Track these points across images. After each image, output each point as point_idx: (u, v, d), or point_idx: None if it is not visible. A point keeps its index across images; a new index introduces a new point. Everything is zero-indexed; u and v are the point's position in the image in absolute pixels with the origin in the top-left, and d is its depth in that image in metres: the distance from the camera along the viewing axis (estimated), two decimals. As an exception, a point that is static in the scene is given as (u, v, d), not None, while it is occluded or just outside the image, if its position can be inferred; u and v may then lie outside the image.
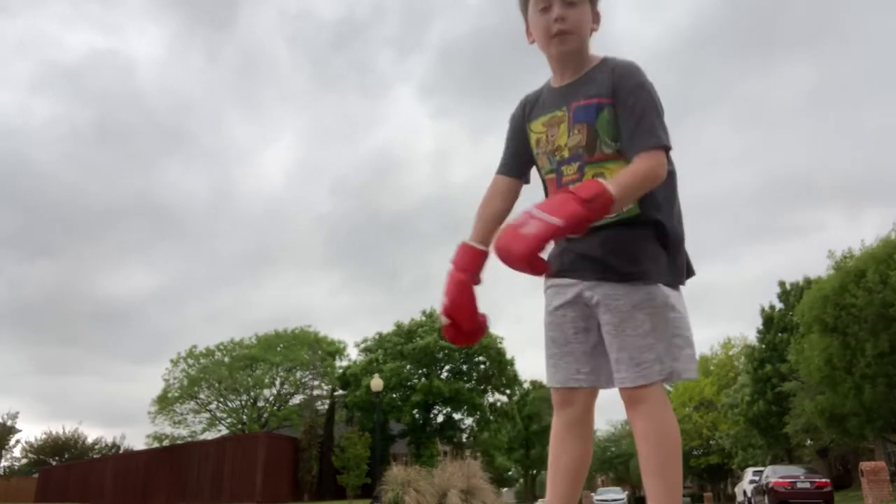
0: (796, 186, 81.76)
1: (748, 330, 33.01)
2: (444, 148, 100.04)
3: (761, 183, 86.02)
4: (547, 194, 1.76)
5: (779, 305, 31.84)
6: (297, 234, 79.09)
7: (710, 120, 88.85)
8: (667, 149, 1.56)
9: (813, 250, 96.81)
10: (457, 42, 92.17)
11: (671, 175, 1.65)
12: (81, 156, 72.55)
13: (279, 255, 75.72)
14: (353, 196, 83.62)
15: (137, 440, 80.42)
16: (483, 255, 1.65)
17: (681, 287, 1.66)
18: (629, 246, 1.58)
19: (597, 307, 1.59)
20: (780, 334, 30.22)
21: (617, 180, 1.48)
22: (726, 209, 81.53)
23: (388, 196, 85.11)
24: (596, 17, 1.68)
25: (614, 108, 1.59)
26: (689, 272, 1.71)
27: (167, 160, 78.66)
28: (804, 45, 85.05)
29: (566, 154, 1.66)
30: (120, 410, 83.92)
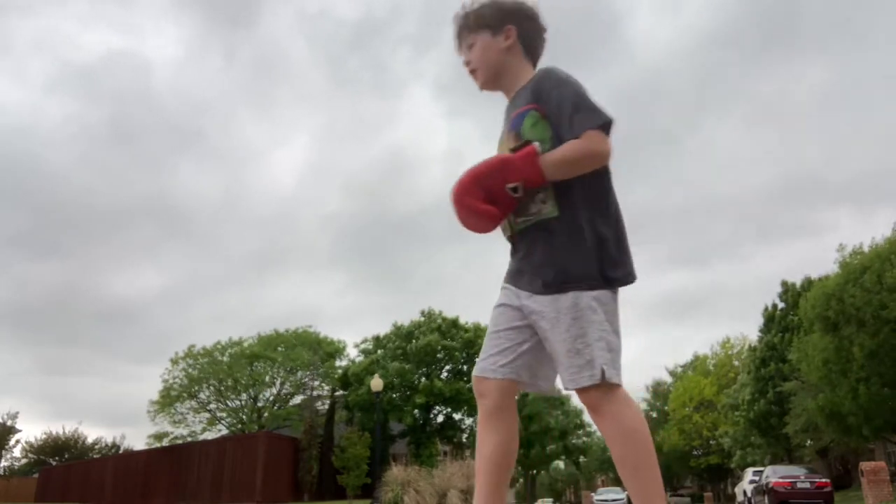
0: (809, 186, 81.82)
1: (756, 330, 33.05)
2: (456, 147, 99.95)
3: (774, 182, 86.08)
4: None
5: (781, 305, 31.86)
6: (306, 234, 79.12)
7: (725, 119, 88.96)
8: (602, 127, 1.61)
9: (825, 250, 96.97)
10: None
11: (598, 176, 1.67)
12: (93, 156, 72.56)
13: (287, 256, 75.80)
14: (364, 196, 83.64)
15: (138, 440, 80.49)
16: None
17: (613, 289, 1.65)
18: (552, 255, 1.64)
19: (532, 316, 1.66)
20: (780, 334, 30.23)
21: (548, 153, 1.62)
22: (738, 208, 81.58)
23: (399, 196, 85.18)
24: (506, 36, 1.82)
25: (538, 112, 1.69)
26: (628, 275, 1.68)
27: (179, 161, 78.67)
28: (819, 44, 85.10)
29: None
30: (124, 410, 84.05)
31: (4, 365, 64.26)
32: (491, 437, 1.70)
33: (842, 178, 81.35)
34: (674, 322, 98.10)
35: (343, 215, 77.01)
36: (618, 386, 1.59)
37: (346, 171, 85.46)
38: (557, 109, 1.65)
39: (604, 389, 1.57)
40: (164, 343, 72.10)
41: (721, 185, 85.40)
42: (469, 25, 1.86)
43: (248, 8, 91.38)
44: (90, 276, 67.51)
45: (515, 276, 1.73)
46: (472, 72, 1.87)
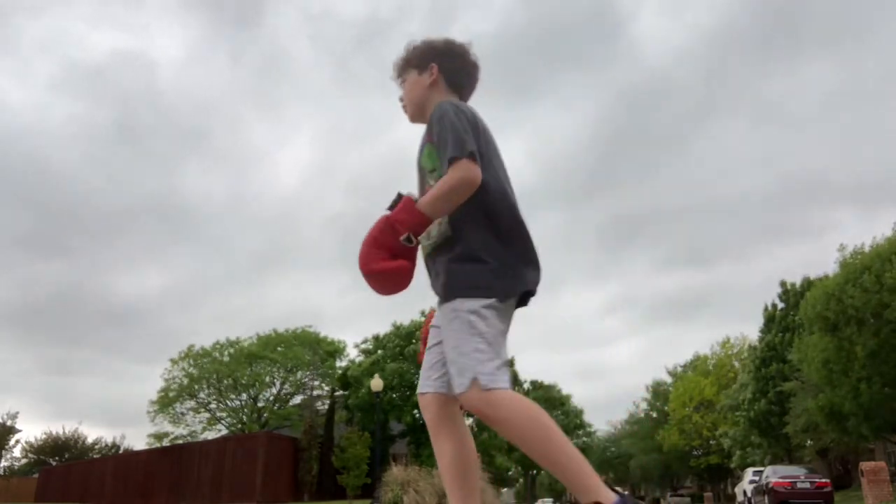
0: (813, 187, 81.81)
1: (758, 330, 33.08)
2: None
3: (778, 183, 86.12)
4: None
5: (780, 305, 31.85)
6: (309, 234, 79.09)
7: (730, 120, 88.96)
8: (465, 158, 1.69)
9: (828, 250, 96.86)
10: (479, 40, 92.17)
11: (488, 193, 1.76)
12: (99, 156, 72.54)
13: (291, 256, 75.81)
14: (368, 196, 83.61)
15: (138, 440, 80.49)
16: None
17: (502, 300, 1.71)
18: (446, 268, 1.76)
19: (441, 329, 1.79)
20: (780, 334, 30.23)
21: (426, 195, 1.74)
22: (743, 209, 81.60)
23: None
24: (430, 73, 1.98)
25: (432, 143, 1.82)
26: (516, 287, 1.75)
27: (185, 161, 78.73)
28: (825, 46, 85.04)
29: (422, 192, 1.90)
30: (126, 410, 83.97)
31: (8, 365, 64.31)
32: (444, 447, 1.80)
33: (845, 178, 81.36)
34: (677, 322, 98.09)
35: (347, 215, 77.04)
36: (498, 390, 1.63)
37: (351, 171, 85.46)
38: (438, 142, 1.77)
39: (482, 396, 1.62)
40: (168, 343, 72.24)
41: (725, 185, 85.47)
42: (402, 65, 2.05)
43: (253, 8, 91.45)
44: (94, 277, 67.50)
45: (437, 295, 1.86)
46: (403, 107, 2.06)
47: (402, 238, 1.71)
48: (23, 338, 63.85)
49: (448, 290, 1.73)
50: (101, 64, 76.07)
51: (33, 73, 75.34)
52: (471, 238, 1.75)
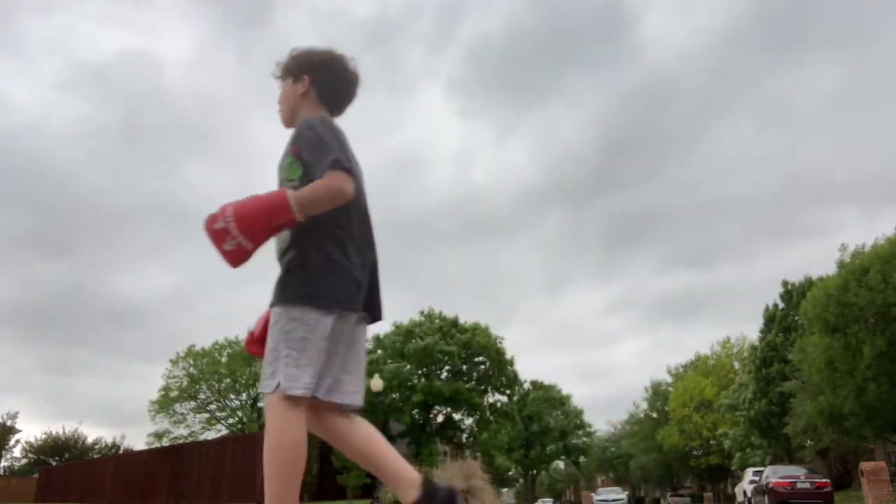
0: (817, 186, 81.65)
1: (758, 330, 33.09)
2: (468, 146, 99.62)
3: (782, 182, 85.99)
4: None
5: (781, 305, 31.83)
6: None
7: (735, 120, 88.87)
8: (343, 171, 1.79)
9: (833, 250, 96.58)
10: (488, 39, 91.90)
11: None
12: (103, 155, 72.56)
13: None
14: (372, 196, 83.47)
15: (138, 440, 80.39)
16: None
17: (325, 310, 1.78)
18: (281, 276, 1.87)
19: None
20: (780, 334, 30.21)
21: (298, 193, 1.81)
22: (747, 209, 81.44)
23: (408, 196, 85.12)
24: (303, 84, 2.07)
25: (296, 156, 1.92)
26: (341, 301, 1.81)
27: (188, 160, 78.71)
28: (830, 46, 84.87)
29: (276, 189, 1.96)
30: (129, 410, 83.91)
31: (10, 364, 64.23)
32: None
33: (849, 178, 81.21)
34: (680, 322, 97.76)
35: None
36: (287, 399, 1.70)
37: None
38: (308, 152, 1.86)
39: (276, 398, 1.70)
40: (171, 342, 72.07)
41: (729, 185, 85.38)
42: (283, 70, 2.14)
43: (262, 7, 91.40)
44: (98, 277, 67.55)
45: None
46: (279, 111, 2.15)
47: (274, 227, 1.79)
48: (31, 337, 63.87)
49: (276, 296, 1.83)
50: (108, 63, 76.13)
51: (39, 72, 75.35)
52: (311, 248, 1.83)
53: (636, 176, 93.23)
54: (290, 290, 1.80)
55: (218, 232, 1.78)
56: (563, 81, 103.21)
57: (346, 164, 1.79)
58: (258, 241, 1.80)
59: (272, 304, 1.82)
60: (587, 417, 55.36)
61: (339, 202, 1.79)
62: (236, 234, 1.76)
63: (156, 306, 67.46)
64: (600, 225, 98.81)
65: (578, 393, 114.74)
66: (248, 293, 66.95)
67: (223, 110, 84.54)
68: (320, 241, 1.83)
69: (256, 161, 78.27)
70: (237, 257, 1.81)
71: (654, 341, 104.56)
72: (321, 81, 2.08)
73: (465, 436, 32.36)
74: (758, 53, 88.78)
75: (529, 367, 53.63)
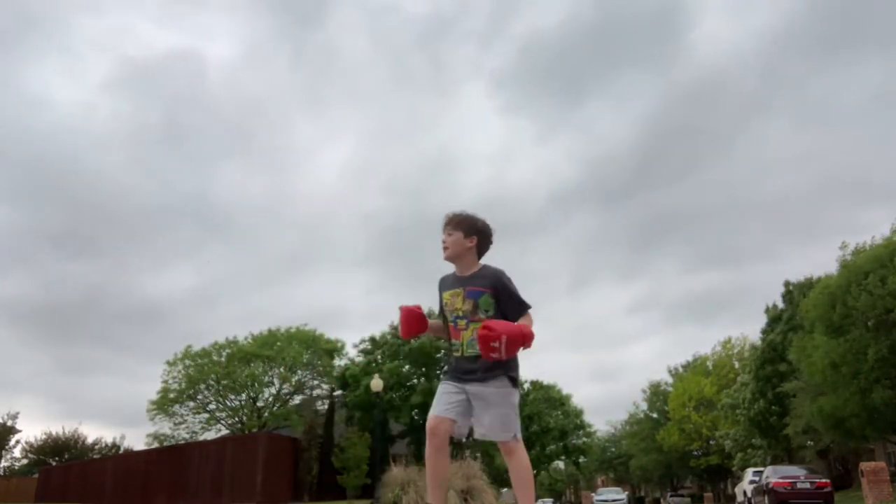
0: (852, 187, 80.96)
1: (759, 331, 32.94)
2: (508, 145, 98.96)
3: (816, 183, 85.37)
4: (449, 333, 3.01)
5: (781, 305, 31.78)
6: (342, 234, 78.78)
7: (773, 120, 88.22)
8: (529, 309, 2.86)
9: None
10: (541, 34, 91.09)
11: None
12: (140, 156, 72.23)
13: (323, 255, 75.43)
14: (406, 195, 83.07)
15: (138, 440, 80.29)
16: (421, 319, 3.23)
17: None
18: (499, 364, 2.80)
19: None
20: (782, 334, 30.15)
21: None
22: (779, 208, 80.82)
23: (441, 195, 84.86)
24: (470, 239, 2.93)
25: (492, 296, 2.84)
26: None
27: (225, 161, 78.43)
28: (878, 45, 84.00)
29: (460, 314, 2.89)
30: (133, 410, 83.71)
31: (30, 365, 64.04)
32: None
33: (886, 177, 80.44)
34: (701, 323, 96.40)
35: (382, 215, 76.66)
36: (520, 441, 2.96)
37: (392, 170, 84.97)
38: (509, 298, 2.83)
39: (515, 443, 2.96)
40: (192, 342, 71.85)
41: (764, 184, 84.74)
42: (453, 222, 2.96)
43: (318, 5, 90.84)
44: (123, 277, 67.28)
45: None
46: (445, 248, 2.95)
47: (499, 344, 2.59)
48: (50, 337, 63.72)
49: (496, 376, 2.85)
50: (155, 63, 75.85)
51: (86, 71, 75.00)
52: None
53: (670, 177, 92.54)
54: (513, 376, 2.85)
55: (491, 348, 2.56)
56: (610, 80, 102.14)
57: (531, 305, 2.85)
58: (510, 356, 2.66)
59: (485, 381, 2.84)
60: (599, 417, 55.55)
61: (532, 339, 2.67)
62: (503, 353, 2.57)
63: (178, 306, 67.30)
64: (630, 225, 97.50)
65: (590, 393, 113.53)
66: (269, 294, 66.90)
67: (264, 111, 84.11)
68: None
69: (291, 163, 77.64)
70: (490, 356, 2.61)
71: (672, 341, 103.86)
72: (482, 242, 2.98)
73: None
74: (808, 54, 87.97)
75: (529, 367, 53.57)
